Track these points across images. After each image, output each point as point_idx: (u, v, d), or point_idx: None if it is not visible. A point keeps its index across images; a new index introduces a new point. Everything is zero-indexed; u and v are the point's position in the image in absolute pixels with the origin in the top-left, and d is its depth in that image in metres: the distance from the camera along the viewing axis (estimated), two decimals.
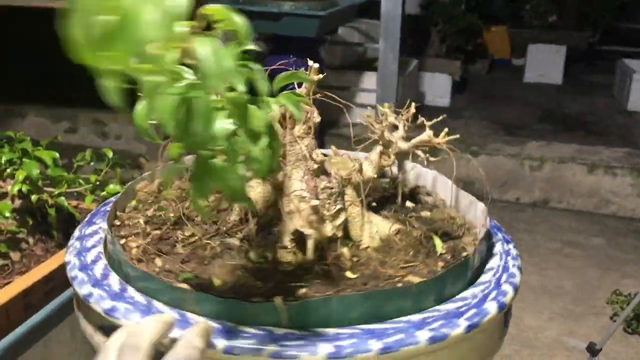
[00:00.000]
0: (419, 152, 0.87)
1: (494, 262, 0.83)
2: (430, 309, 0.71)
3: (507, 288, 0.76)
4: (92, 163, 1.69)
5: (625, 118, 4.23)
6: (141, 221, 0.90)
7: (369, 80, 3.75)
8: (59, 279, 1.51)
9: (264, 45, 3.71)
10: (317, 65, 0.87)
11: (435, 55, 4.72)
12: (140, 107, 0.61)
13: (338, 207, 0.81)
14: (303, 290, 0.72)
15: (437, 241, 0.84)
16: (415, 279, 0.75)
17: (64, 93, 4.26)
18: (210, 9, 0.52)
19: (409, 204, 0.98)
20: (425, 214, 0.95)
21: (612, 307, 2.37)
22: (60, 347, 1.57)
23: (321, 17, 2.70)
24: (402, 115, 0.88)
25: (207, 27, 0.51)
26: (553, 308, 2.45)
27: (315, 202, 0.78)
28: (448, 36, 4.80)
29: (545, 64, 5.21)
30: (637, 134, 3.88)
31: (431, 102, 4.26)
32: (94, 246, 0.88)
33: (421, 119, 0.86)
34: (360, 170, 0.86)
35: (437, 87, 4.35)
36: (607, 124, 4.11)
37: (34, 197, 1.44)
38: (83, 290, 0.76)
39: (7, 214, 1.35)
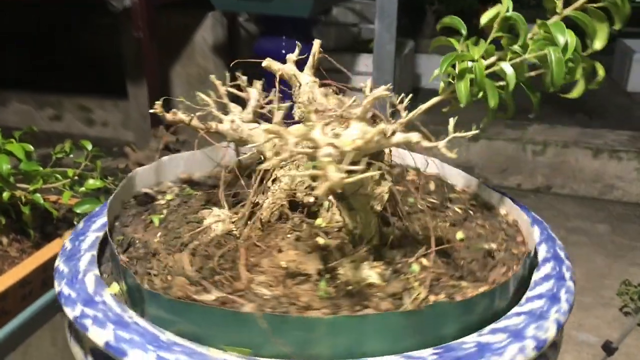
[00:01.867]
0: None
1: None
2: None
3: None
4: (72, 155, 1.56)
5: (625, 99, 4.13)
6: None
7: (365, 62, 3.61)
8: (36, 282, 1.39)
9: (255, 27, 3.57)
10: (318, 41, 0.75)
11: (431, 36, 4.59)
12: None
13: None
14: None
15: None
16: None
17: (48, 78, 4.11)
18: None
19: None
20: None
21: (622, 299, 2.27)
22: (40, 354, 1.45)
23: None
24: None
25: None
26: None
27: None
28: (444, 16, 4.67)
29: None
30: (638, 115, 3.78)
31: (428, 85, 4.13)
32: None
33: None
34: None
35: (434, 68, 4.20)
36: (607, 105, 4.00)
37: (5, 194, 1.32)
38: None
39: None
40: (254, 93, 0.86)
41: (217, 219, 0.74)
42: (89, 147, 1.45)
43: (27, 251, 1.43)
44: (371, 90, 0.76)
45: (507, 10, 0.76)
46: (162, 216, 0.81)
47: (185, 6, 3.21)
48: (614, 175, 3.11)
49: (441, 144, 0.67)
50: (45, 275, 1.40)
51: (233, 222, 0.74)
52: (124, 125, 3.78)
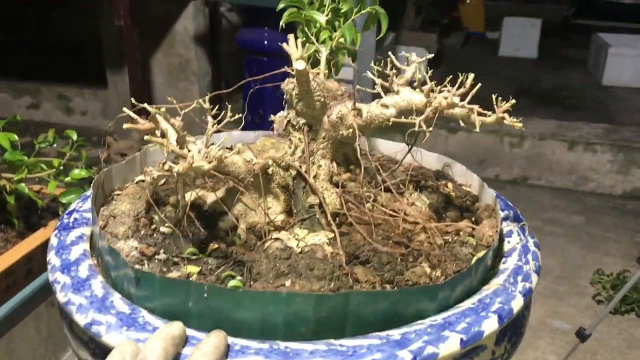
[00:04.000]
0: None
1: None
2: None
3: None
4: (55, 144, 1.56)
5: (600, 92, 4.21)
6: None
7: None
8: (20, 272, 1.40)
9: (237, 17, 3.56)
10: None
11: (411, 29, 4.62)
12: None
13: None
14: None
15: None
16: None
17: (26, 66, 4.05)
18: None
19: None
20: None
21: (595, 287, 2.34)
22: (25, 343, 1.46)
23: None
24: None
25: None
26: (536, 288, 2.40)
27: None
28: (423, 8, 4.70)
29: (520, 37, 5.16)
30: (613, 109, 3.86)
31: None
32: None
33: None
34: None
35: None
36: (583, 98, 4.08)
37: None
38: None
39: None
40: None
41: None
42: (74, 136, 1.45)
43: (12, 241, 1.43)
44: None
45: None
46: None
47: None
48: (589, 168, 3.18)
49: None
50: (29, 265, 1.41)
51: None
52: (104, 114, 3.76)
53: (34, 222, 1.50)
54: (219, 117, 0.77)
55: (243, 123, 0.83)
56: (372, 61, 0.86)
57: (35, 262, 1.41)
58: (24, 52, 4.20)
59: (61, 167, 1.41)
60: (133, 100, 0.79)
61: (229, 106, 0.78)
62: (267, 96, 2.67)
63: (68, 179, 1.41)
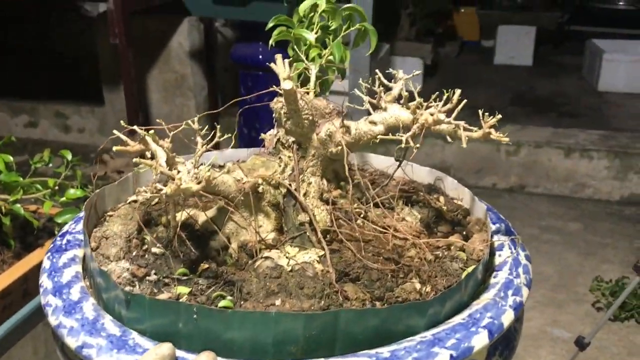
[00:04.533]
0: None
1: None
2: None
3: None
4: (50, 163, 1.56)
5: (596, 99, 4.22)
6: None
7: None
8: (17, 292, 1.40)
9: (232, 32, 3.58)
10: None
11: (406, 39, 4.64)
12: None
13: None
14: None
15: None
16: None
17: (23, 84, 4.07)
18: None
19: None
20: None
21: (594, 295, 2.34)
22: None
23: (291, 2, 2.58)
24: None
25: None
26: (535, 296, 2.41)
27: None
28: (418, 19, 4.72)
29: (515, 45, 5.17)
30: (609, 114, 3.87)
31: (404, 88, 4.17)
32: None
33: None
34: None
35: (409, 71, 4.24)
36: (579, 105, 4.09)
37: None
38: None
39: None
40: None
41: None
42: (69, 156, 1.45)
43: (8, 262, 1.43)
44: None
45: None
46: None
47: (161, 12, 3.21)
48: (585, 174, 3.19)
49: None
50: (26, 286, 1.41)
51: None
52: (101, 131, 3.77)
53: (31, 243, 1.50)
54: (211, 135, 0.77)
55: (233, 140, 0.83)
56: (368, 73, 0.87)
57: (32, 282, 1.41)
58: (21, 72, 4.21)
59: (56, 187, 1.41)
60: (122, 123, 0.80)
61: (218, 126, 0.78)
62: (262, 110, 2.68)
63: (63, 198, 1.42)
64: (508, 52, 5.18)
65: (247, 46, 2.79)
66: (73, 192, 1.39)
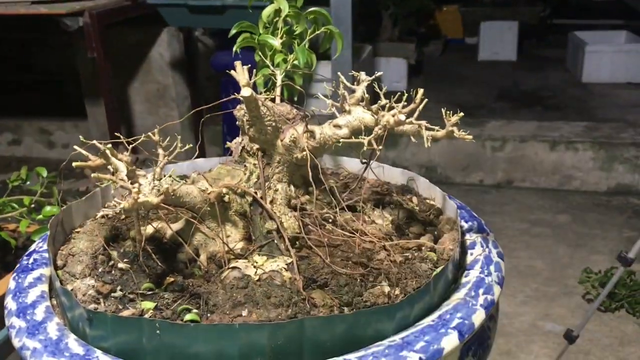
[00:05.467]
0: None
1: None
2: None
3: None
4: (28, 181, 1.55)
5: (580, 90, 4.23)
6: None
7: (323, 69, 3.64)
8: None
9: (211, 41, 3.57)
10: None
11: (389, 40, 4.64)
12: None
13: None
14: None
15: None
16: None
17: (5, 102, 4.04)
18: None
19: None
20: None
21: (584, 287, 2.33)
22: None
23: (263, 8, 2.57)
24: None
25: None
26: (526, 291, 2.41)
27: None
28: (400, 19, 4.72)
29: (498, 41, 5.19)
30: (593, 105, 3.88)
31: (388, 88, 4.17)
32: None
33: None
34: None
35: (393, 71, 4.27)
36: (563, 97, 4.10)
37: None
38: None
39: None
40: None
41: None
42: (44, 173, 1.44)
43: None
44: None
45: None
46: None
47: (139, 23, 3.19)
48: (572, 166, 3.19)
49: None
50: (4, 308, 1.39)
51: None
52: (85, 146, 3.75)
53: (10, 262, 1.48)
54: (172, 146, 0.76)
55: (197, 150, 0.83)
56: (350, 75, 0.87)
57: None
58: (3, 90, 4.19)
59: (32, 205, 1.40)
60: (81, 138, 0.79)
61: (179, 137, 0.77)
62: None
63: (40, 216, 1.40)
64: (492, 48, 5.19)
65: (227, 54, 2.77)
66: (49, 209, 1.37)
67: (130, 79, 3.39)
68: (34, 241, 1.44)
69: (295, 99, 0.97)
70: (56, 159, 3.74)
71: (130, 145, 0.73)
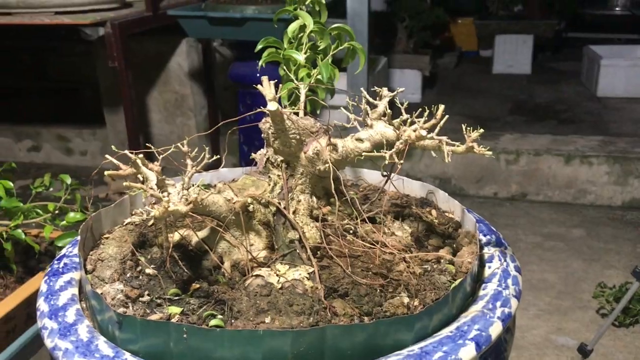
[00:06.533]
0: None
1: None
2: None
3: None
4: (51, 187, 1.59)
5: (595, 104, 4.23)
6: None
7: (339, 81, 3.67)
8: (20, 317, 1.41)
9: (229, 52, 3.61)
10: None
11: (404, 52, 4.67)
12: None
13: None
14: None
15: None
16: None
17: (25, 109, 4.11)
18: None
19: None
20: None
21: (598, 301, 2.33)
22: None
23: (286, 21, 2.61)
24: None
25: None
26: (539, 304, 2.41)
27: None
28: (415, 31, 4.75)
29: (513, 54, 5.20)
30: (608, 120, 3.87)
31: (402, 99, 4.20)
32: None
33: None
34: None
35: (408, 83, 4.30)
36: (578, 111, 4.10)
37: None
38: None
39: None
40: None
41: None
42: (68, 180, 1.47)
43: (11, 286, 1.45)
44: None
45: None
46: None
47: (159, 33, 3.25)
48: (586, 180, 3.19)
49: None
50: (29, 310, 1.42)
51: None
52: (103, 153, 3.79)
53: (33, 267, 1.51)
54: (202, 157, 0.79)
55: (223, 160, 0.85)
56: (365, 87, 0.89)
57: (35, 306, 1.42)
58: (23, 97, 4.26)
59: (56, 211, 1.43)
60: (114, 148, 0.82)
61: (207, 148, 0.80)
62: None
63: (64, 222, 1.43)
64: (506, 61, 5.21)
65: (245, 65, 2.82)
66: (73, 216, 1.41)
67: (149, 88, 3.44)
68: (57, 247, 1.47)
69: (318, 112, 0.99)
70: (74, 166, 3.79)
71: (161, 156, 0.75)
